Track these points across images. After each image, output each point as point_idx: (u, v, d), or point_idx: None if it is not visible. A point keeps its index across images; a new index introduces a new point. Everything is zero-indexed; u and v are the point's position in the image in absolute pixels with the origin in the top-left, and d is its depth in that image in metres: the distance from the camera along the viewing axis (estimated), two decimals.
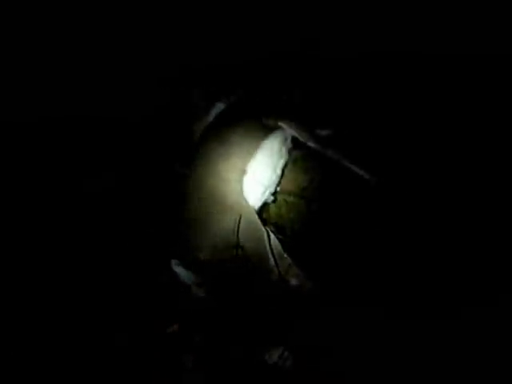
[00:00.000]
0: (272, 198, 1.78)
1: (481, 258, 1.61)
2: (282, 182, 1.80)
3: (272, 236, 1.66)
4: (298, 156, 1.86)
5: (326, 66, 1.99)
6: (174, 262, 1.64)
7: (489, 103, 1.86)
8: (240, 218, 1.61)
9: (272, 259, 1.60)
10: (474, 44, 1.88)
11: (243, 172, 1.66)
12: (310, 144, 1.76)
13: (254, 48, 2.00)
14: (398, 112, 1.89)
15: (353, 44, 1.98)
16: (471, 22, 1.89)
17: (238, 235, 1.60)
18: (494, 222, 1.66)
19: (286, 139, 1.76)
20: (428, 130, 1.84)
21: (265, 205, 1.77)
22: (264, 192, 1.71)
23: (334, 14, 2.00)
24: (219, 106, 1.80)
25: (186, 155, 1.79)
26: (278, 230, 1.73)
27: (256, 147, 1.68)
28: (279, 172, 1.75)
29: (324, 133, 1.84)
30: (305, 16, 2.02)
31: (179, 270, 1.63)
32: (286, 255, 1.65)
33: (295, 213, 1.81)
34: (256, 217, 1.66)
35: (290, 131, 1.75)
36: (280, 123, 1.73)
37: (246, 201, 1.66)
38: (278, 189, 1.80)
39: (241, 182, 1.65)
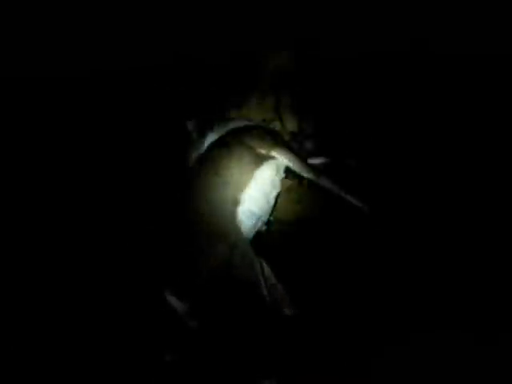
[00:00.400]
0: (265, 227, 1.79)
1: (472, 291, 1.61)
2: (275, 211, 1.81)
3: (265, 265, 1.67)
4: (291, 185, 1.88)
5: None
6: (167, 291, 1.63)
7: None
8: (233, 248, 1.61)
9: (265, 289, 1.60)
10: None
11: (236, 201, 1.66)
12: (303, 173, 1.76)
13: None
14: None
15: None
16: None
17: (231, 265, 1.60)
18: (486, 257, 1.66)
19: (278, 168, 1.77)
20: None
21: (258, 234, 1.77)
22: (257, 221, 1.71)
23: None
24: (213, 135, 1.81)
25: (179, 184, 1.80)
26: (271, 259, 1.72)
27: (249, 177, 1.68)
28: (272, 201, 1.75)
29: (317, 162, 1.85)
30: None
31: (172, 300, 1.62)
32: (279, 285, 1.65)
33: (288, 242, 1.81)
34: (249, 246, 1.66)
35: (283, 160, 1.75)
36: (273, 152, 1.74)
37: (239, 230, 1.65)
38: (272, 218, 1.81)
39: (234, 211, 1.65)
